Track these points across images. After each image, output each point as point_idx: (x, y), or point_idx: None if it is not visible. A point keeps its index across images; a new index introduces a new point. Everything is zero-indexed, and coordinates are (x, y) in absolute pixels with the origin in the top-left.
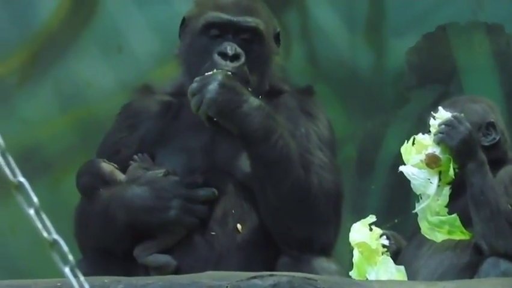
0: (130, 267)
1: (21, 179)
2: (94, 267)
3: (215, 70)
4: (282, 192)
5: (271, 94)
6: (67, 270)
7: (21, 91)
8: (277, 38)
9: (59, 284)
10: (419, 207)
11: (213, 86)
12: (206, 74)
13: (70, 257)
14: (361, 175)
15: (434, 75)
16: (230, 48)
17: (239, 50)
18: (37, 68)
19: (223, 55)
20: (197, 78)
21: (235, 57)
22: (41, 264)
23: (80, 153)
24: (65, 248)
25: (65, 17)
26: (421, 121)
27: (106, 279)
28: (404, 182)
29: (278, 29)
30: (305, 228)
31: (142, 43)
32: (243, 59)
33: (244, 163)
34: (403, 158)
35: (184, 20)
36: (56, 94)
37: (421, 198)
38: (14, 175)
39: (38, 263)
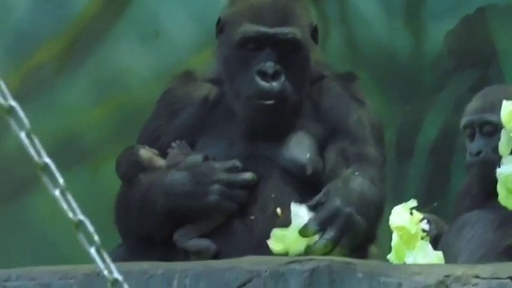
0: (169, 252)
1: (47, 160)
2: (133, 252)
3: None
4: None
5: (312, 80)
6: (92, 250)
7: (59, 79)
8: (314, 31)
9: (98, 270)
10: (503, 173)
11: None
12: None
13: (96, 238)
14: (400, 160)
15: (473, 58)
16: (269, 66)
17: (278, 67)
18: (75, 55)
19: (263, 74)
20: (316, 219)
21: (275, 75)
22: (83, 251)
23: (118, 140)
24: (91, 228)
25: (102, 3)
26: (460, 105)
27: (146, 264)
28: (443, 166)
29: (315, 23)
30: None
31: (180, 29)
32: (283, 76)
33: (285, 149)
34: (503, 114)
35: (219, 20)
36: (94, 81)
37: (503, 163)
38: (40, 156)
39: (80, 250)
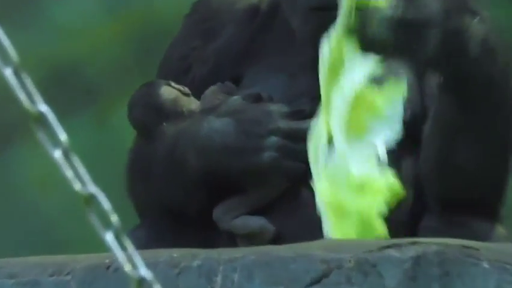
0: (207, 235)
1: (43, 108)
2: (157, 235)
3: None
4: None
5: None
6: (108, 236)
7: None
8: None
9: (107, 261)
10: None
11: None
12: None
13: (114, 218)
14: None
15: None
16: None
17: None
18: None
19: None
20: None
21: None
22: (84, 233)
23: (137, 72)
24: (107, 204)
25: None
26: None
27: (175, 252)
28: None
29: None
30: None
31: None
32: None
33: None
34: None
35: None
36: None
37: None
38: (33, 102)
39: (80, 231)
